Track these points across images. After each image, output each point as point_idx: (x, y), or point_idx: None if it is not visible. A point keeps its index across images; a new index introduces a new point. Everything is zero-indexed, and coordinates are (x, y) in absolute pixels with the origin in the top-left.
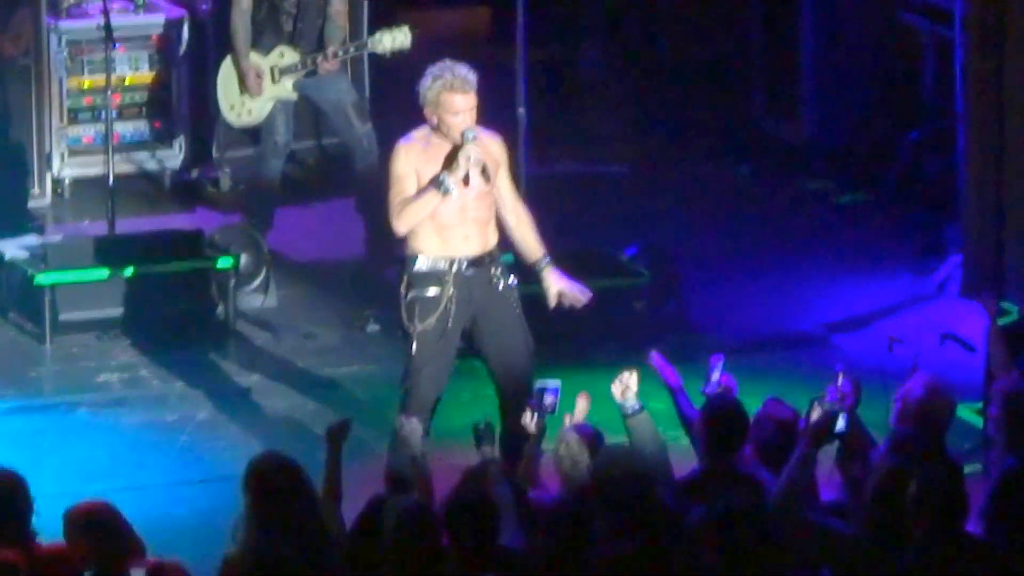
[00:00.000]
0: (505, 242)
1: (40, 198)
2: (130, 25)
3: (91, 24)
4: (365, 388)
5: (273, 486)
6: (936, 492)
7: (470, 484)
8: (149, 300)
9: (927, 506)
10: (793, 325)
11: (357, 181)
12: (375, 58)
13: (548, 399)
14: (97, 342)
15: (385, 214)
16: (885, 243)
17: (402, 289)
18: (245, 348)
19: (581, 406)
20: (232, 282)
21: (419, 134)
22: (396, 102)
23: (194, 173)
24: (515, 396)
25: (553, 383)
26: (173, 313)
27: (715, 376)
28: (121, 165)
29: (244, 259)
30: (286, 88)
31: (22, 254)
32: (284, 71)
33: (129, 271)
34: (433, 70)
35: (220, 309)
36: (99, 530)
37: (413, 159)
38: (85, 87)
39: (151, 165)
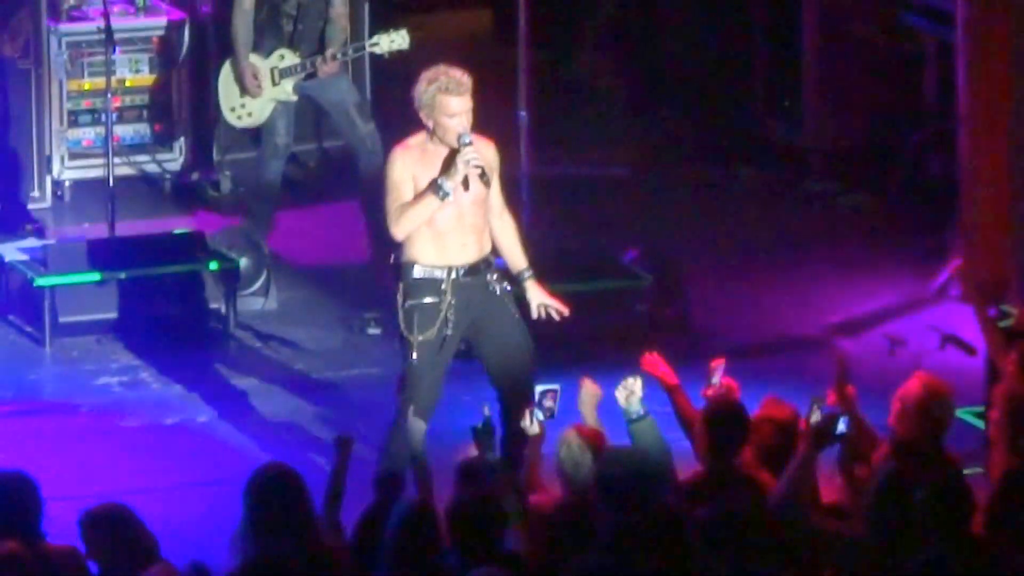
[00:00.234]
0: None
1: (40, 201)
2: (130, 27)
3: (91, 26)
4: (365, 391)
5: (273, 496)
6: (945, 495)
7: (471, 484)
8: (149, 303)
9: (937, 509)
10: (795, 328)
11: (361, 182)
12: (378, 60)
13: (548, 403)
14: (97, 345)
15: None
16: (887, 245)
17: (399, 297)
18: (245, 351)
19: (589, 389)
20: (232, 285)
21: (415, 140)
22: (398, 104)
23: (194, 176)
24: (516, 399)
25: (553, 387)
26: (173, 316)
27: (716, 379)
28: (121, 168)
29: (244, 262)
30: (286, 90)
31: (22, 257)
32: (284, 73)
33: (129, 274)
34: (427, 74)
35: (220, 312)
36: (117, 530)
37: (410, 165)
38: (85, 90)
39: (151, 168)
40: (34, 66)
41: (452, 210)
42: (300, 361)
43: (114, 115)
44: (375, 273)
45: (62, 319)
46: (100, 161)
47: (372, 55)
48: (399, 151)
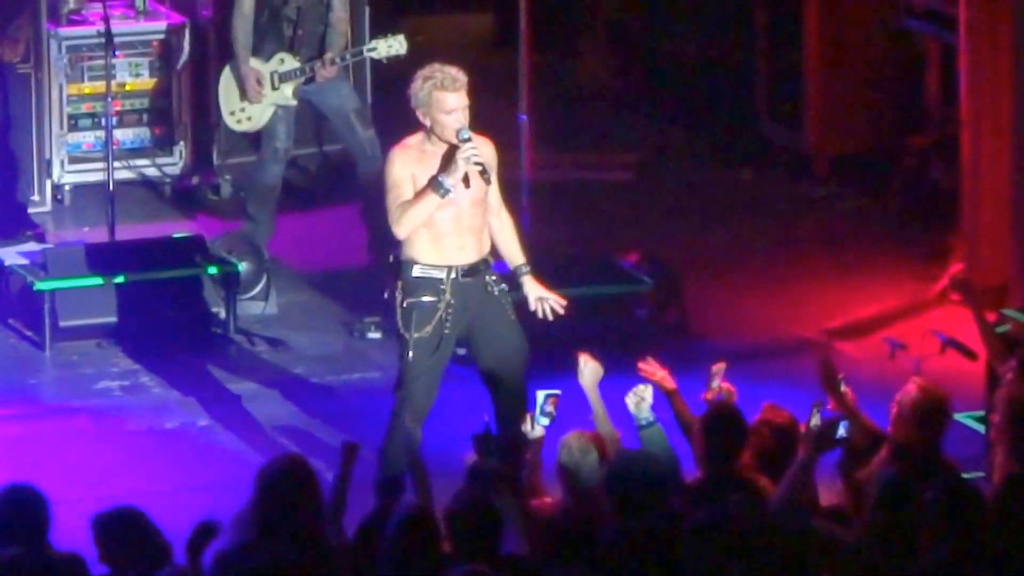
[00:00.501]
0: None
1: (40, 205)
2: (131, 32)
3: (91, 30)
4: (366, 395)
5: (282, 491)
6: (956, 496)
7: (474, 487)
8: (149, 307)
9: (947, 511)
10: (795, 332)
11: (360, 187)
12: (379, 65)
13: (550, 407)
14: (97, 349)
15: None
16: (888, 249)
17: (397, 295)
18: (245, 355)
19: (590, 364)
20: (233, 289)
21: (413, 140)
22: (400, 110)
23: (195, 180)
24: (512, 402)
25: (555, 392)
26: (173, 320)
27: (715, 383)
28: (121, 172)
29: (244, 266)
30: (285, 95)
31: (22, 261)
32: (284, 77)
33: (129, 278)
34: (423, 71)
35: (220, 316)
36: (130, 533)
37: (409, 164)
38: (85, 94)
39: (151, 172)
40: (34, 70)
41: (451, 211)
42: (300, 365)
43: (114, 119)
44: (375, 277)
45: (62, 323)
46: (100, 165)
47: (372, 60)
48: (397, 151)
